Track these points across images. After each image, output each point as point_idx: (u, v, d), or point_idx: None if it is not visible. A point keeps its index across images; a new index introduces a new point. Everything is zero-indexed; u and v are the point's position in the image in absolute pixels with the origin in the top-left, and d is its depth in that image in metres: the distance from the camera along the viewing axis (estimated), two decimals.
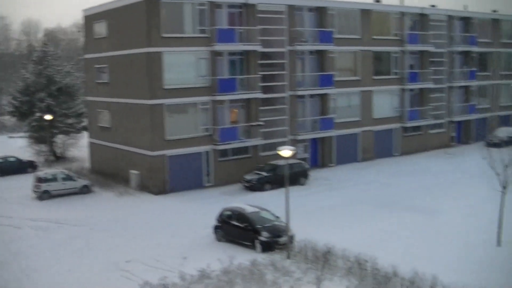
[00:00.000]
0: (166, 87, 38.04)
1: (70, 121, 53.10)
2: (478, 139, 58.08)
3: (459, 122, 57.88)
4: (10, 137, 66.63)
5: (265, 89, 41.96)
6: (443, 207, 33.76)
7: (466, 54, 57.27)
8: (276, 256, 25.19)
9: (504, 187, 26.53)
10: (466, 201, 35.00)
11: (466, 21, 57.19)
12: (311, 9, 45.37)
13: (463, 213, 32.26)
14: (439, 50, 53.85)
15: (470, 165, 45.49)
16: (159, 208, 35.09)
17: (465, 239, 27.55)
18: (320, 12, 45.61)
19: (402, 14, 51.38)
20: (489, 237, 26.85)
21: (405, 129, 52.36)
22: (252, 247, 26.62)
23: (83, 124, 54.03)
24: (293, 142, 42.91)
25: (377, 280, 21.66)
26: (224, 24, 40.41)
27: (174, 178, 38.68)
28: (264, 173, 39.47)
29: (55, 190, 38.29)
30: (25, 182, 41.08)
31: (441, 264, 23.86)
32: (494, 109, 61.59)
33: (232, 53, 41.07)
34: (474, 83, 57.93)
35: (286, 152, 24.94)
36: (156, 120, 37.90)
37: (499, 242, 26.31)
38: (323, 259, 23.59)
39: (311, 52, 45.46)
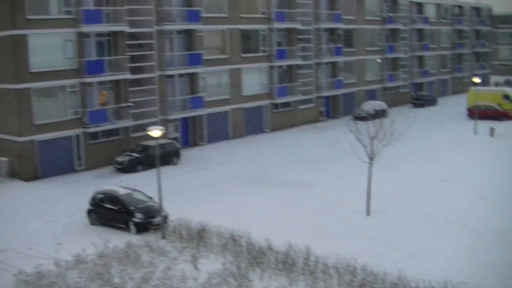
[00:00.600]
0: (32, 70, 39.51)
1: None
2: (346, 113, 63.54)
3: (327, 97, 63.00)
4: None
5: (134, 70, 44.51)
6: (314, 180, 37.56)
7: (332, 31, 62.07)
8: (151, 237, 26.87)
9: (371, 159, 30.19)
10: (336, 173, 39.19)
11: None
12: None
13: (334, 186, 36.26)
14: (306, 27, 58.43)
15: (339, 138, 50.35)
16: (31, 195, 36.48)
17: (336, 210, 31.01)
18: None
19: None
20: (359, 208, 30.55)
21: (275, 106, 56.50)
22: (127, 229, 28.36)
23: None
24: (164, 122, 45.66)
25: (252, 254, 23.51)
26: (90, 5, 42.48)
27: (44, 163, 40.43)
28: (136, 154, 42.00)
29: None
30: None
31: (314, 235, 26.86)
32: (361, 83, 67.26)
33: (99, 34, 43.20)
34: (340, 59, 63.16)
35: (155, 132, 26.45)
36: (23, 104, 39.30)
37: (368, 212, 30.08)
38: (198, 237, 25.44)
39: (179, 32, 48.38)
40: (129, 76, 43.73)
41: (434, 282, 20.40)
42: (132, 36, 44.57)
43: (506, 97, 64.70)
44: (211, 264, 23.43)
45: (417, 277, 20.77)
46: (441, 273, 21.90)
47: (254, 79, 54.76)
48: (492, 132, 51.89)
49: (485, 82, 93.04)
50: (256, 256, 23.34)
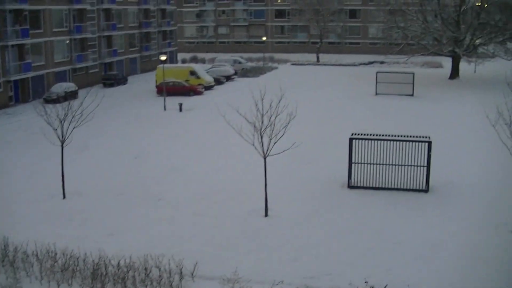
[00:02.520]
0: None
1: None
2: (37, 97, 61.47)
3: (15, 81, 60.28)
4: None
5: None
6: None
7: (17, 12, 59.30)
8: None
9: (62, 142, 30.10)
10: (26, 159, 38.21)
11: None
12: None
13: (28, 171, 35.40)
14: None
15: (31, 123, 48.70)
16: None
17: (32, 195, 30.69)
18: None
19: None
20: (52, 192, 30.62)
21: None
22: None
23: None
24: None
25: None
26: None
27: None
28: None
29: None
30: None
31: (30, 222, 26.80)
32: (50, 65, 65.72)
33: None
34: (28, 41, 60.69)
35: None
36: None
37: (64, 195, 30.09)
38: None
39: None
40: None
41: (134, 257, 21.22)
42: None
43: (192, 73, 68.86)
44: None
45: (118, 254, 21.43)
46: (141, 248, 22.97)
47: None
48: (180, 107, 55.02)
49: (173, 59, 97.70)
50: None
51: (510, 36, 77.03)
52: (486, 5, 77.07)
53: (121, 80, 76.42)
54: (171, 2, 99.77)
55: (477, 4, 78.07)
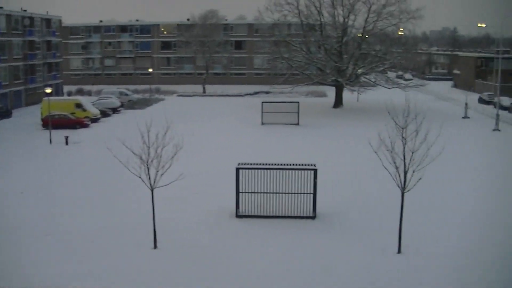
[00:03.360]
0: None
1: None
2: None
3: None
4: None
5: None
6: None
7: None
8: None
9: None
10: None
11: None
12: None
13: None
14: None
15: None
16: None
17: None
18: None
19: None
20: None
21: None
22: None
23: None
24: None
25: None
26: None
27: None
28: None
29: None
30: None
31: None
32: None
33: None
34: None
35: None
36: None
37: None
38: None
39: None
40: None
41: None
42: None
43: (78, 105, 67.27)
44: None
45: None
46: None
47: None
48: (66, 140, 53.43)
49: (58, 92, 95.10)
50: None
51: (390, 65, 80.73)
52: (367, 36, 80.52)
53: (5, 113, 73.36)
54: (56, 34, 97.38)
55: (358, 35, 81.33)
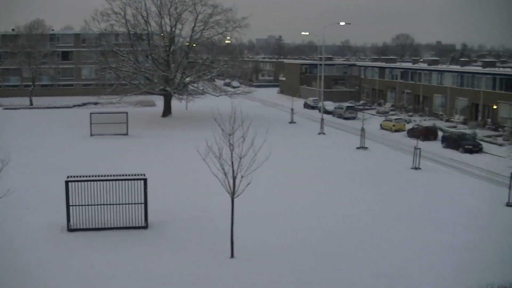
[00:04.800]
0: None
1: None
2: None
3: None
4: None
5: None
6: None
7: None
8: None
9: None
10: None
11: None
12: None
13: None
14: None
15: None
16: None
17: None
18: None
19: None
20: None
21: None
22: None
23: None
24: None
25: None
26: None
27: None
28: None
29: None
30: None
31: None
32: None
33: None
34: None
35: None
36: None
37: None
38: None
39: None
40: None
41: None
42: None
43: None
44: None
45: None
46: None
47: None
48: None
49: None
50: None
51: (218, 73, 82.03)
52: (194, 45, 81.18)
53: None
54: None
55: (186, 44, 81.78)
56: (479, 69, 79.93)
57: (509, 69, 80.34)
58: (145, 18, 78.28)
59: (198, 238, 29.46)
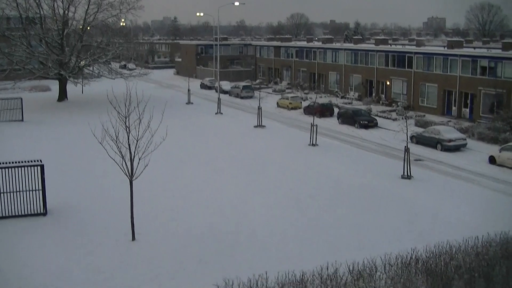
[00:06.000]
0: None
1: None
2: None
3: None
4: None
5: None
6: None
7: None
8: None
9: None
10: None
11: None
12: None
13: None
14: None
15: None
16: None
17: None
18: None
19: None
20: None
21: None
22: None
23: None
24: None
25: None
26: None
27: None
28: None
29: None
30: None
31: None
32: None
33: None
34: None
35: None
36: None
37: None
38: None
39: None
40: None
41: None
42: None
43: None
44: None
45: None
46: None
47: None
48: None
49: None
50: None
51: (113, 56, 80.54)
52: (88, 28, 79.22)
53: None
54: None
55: (79, 27, 79.66)
56: (372, 46, 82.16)
57: (400, 46, 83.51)
58: (37, 1, 75.50)
59: (99, 222, 29.18)
